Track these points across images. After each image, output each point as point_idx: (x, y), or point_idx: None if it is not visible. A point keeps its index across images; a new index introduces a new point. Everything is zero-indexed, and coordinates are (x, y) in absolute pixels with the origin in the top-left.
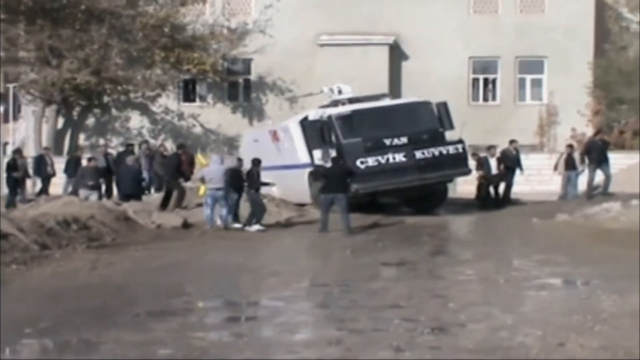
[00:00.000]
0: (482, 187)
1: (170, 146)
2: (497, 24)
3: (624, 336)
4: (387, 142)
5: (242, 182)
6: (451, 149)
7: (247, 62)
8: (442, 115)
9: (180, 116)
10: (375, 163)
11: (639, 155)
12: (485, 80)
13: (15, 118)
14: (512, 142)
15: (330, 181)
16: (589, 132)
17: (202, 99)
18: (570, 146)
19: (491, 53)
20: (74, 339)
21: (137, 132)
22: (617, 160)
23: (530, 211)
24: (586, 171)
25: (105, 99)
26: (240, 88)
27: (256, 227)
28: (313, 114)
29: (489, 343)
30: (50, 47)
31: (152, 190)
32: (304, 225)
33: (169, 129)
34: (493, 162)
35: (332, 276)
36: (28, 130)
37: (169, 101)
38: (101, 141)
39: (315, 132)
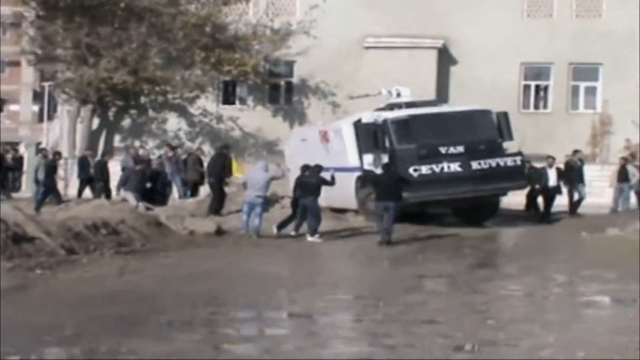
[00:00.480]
0: (533, 199)
1: (207, 149)
2: (551, 28)
3: None
4: (443, 150)
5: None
6: (509, 161)
7: (290, 64)
8: (501, 126)
9: (219, 119)
10: (429, 172)
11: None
12: (537, 87)
13: (50, 118)
14: (576, 152)
15: (383, 189)
16: None
17: (242, 101)
18: (624, 158)
19: (544, 59)
20: (94, 347)
21: (174, 134)
22: None
23: (580, 225)
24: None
25: (142, 99)
26: (281, 91)
27: (316, 237)
28: (367, 117)
29: None
30: (88, 45)
31: (188, 194)
32: (343, 234)
33: (207, 131)
34: (551, 173)
35: (368, 288)
36: (62, 130)
37: (207, 103)
38: (137, 143)
39: (368, 135)
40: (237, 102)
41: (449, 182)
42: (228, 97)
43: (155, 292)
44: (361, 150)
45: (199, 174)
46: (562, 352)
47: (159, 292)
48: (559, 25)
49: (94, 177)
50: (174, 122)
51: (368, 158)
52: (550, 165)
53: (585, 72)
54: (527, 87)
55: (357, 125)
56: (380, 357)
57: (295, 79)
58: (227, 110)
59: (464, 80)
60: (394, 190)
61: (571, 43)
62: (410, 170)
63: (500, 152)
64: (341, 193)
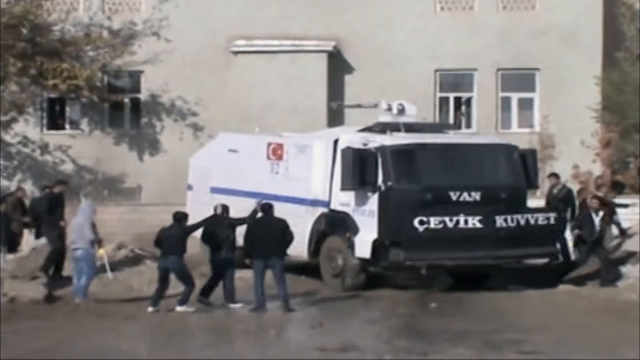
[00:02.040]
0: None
1: (29, 189)
2: (472, 25)
3: None
4: (454, 196)
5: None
6: (540, 219)
7: (136, 76)
8: (529, 168)
9: (44, 148)
10: (440, 226)
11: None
12: (457, 100)
13: None
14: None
15: (261, 239)
16: (597, 169)
17: (75, 125)
18: (581, 190)
19: (464, 64)
20: None
21: None
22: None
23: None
24: None
25: None
26: (126, 111)
27: (239, 304)
28: (349, 139)
29: None
30: None
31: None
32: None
33: (28, 165)
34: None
35: None
36: None
37: (28, 128)
38: None
39: (355, 166)
40: (67, 126)
41: (464, 242)
42: (55, 120)
43: None
44: (343, 184)
45: (19, 223)
46: None
47: None
48: (482, 21)
49: None
50: None
51: (342, 194)
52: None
53: (517, 80)
54: (444, 100)
55: (343, 150)
56: None
57: (143, 95)
58: (54, 137)
59: (363, 93)
60: (278, 242)
61: (498, 43)
62: (415, 222)
63: (525, 203)
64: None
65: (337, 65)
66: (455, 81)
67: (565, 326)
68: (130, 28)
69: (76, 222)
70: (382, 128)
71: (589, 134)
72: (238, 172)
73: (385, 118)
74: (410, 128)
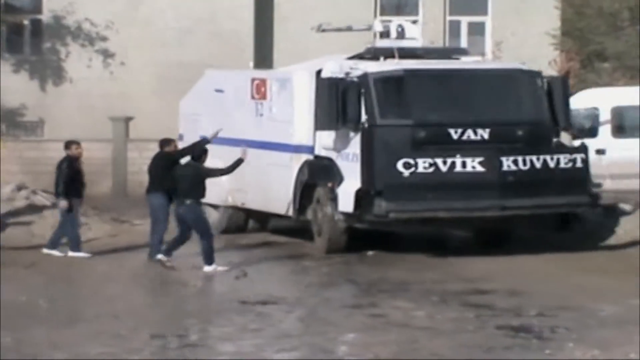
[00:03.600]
0: None
1: None
2: None
3: None
4: (455, 135)
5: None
6: (563, 160)
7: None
8: (555, 100)
9: None
10: (431, 170)
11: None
12: (400, 25)
13: None
14: None
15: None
16: None
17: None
18: None
19: None
20: None
21: None
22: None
23: None
24: None
25: None
26: (26, 34)
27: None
28: (332, 67)
29: None
30: None
31: None
32: None
33: None
34: None
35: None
36: None
37: None
38: None
39: (331, 99)
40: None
41: (463, 190)
42: None
43: None
44: (320, 123)
45: None
46: None
47: None
48: None
49: None
50: None
51: (325, 136)
52: None
53: (467, 2)
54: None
55: (320, 80)
56: None
57: (45, 17)
58: None
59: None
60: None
61: None
62: (399, 165)
63: (550, 144)
64: (273, 186)
65: None
66: (398, 3)
67: (520, 275)
68: None
69: None
70: (375, 54)
71: (546, 63)
72: (224, 117)
73: (383, 43)
74: (408, 53)
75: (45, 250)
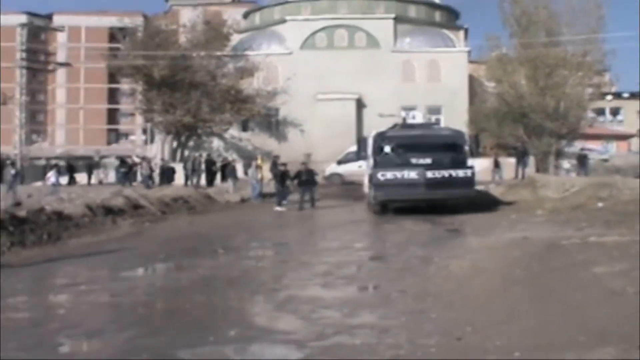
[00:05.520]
0: None
1: (230, 157)
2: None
3: None
4: (414, 161)
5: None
6: (461, 173)
7: (276, 109)
8: (471, 144)
9: (240, 140)
10: (392, 177)
11: (492, 160)
12: (414, 115)
13: (152, 141)
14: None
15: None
16: None
17: (252, 130)
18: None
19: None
20: (177, 263)
21: (216, 149)
22: (478, 162)
23: None
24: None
25: (199, 131)
26: (273, 123)
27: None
28: (372, 132)
29: None
30: (170, 103)
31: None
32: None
33: (233, 147)
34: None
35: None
36: (157, 149)
37: (234, 131)
38: (196, 154)
39: (360, 144)
40: (249, 130)
41: (407, 187)
42: (245, 127)
43: (209, 233)
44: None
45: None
46: None
47: (210, 234)
48: (419, 86)
49: (185, 169)
50: (216, 143)
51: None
52: None
53: (434, 110)
54: None
55: (373, 136)
56: None
57: (280, 117)
58: (244, 135)
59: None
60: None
61: (425, 97)
62: (379, 175)
63: (462, 165)
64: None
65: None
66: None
67: (459, 217)
68: (274, 90)
69: (251, 171)
70: (394, 126)
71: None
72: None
73: (404, 120)
74: (409, 125)
75: None
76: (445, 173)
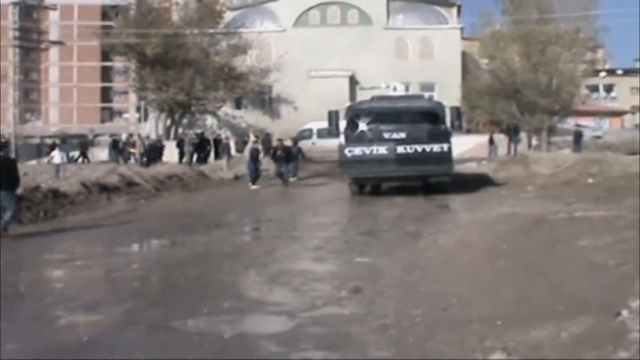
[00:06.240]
0: None
1: (224, 134)
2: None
3: None
4: (387, 135)
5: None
6: (435, 147)
7: (270, 87)
8: (452, 117)
9: (234, 117)
10: (360, 153)
11: (488, 136)
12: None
13: (145, 120)
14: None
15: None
16: None
17: (246, 107)
18: None
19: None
20: (172, 239)
21: (210, 126)
22: (472, 139)
23: None
24: None
25: (192, 108)
26: (266, 101)
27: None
28: (348, 104)
29: None
30: (163, 81)
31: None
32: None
33: (227, 124)
34: None
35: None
36: (151, 127)
37: (227, 109)
38: (190, 132)
39: (330, 118)
40: (242, 108)
41: (377, 163)
42: (239, 105)
43: (202, 210)
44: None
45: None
46: None
47: (204, 210)
48: (413, 64)
49: (179, 148)
50: (209, 120)
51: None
52: None
53: (428, 86)
54: None
55: (346, 108)
56: None
57: (273, 95)
58: (237, 112)
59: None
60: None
61: (419, 72)
62: (346, 151)
63: (444, 140)
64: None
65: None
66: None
67: (447, 196)
68: (268, 67)
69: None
70: (372, 98)
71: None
72: None
73: (383, 92)
74: (382, 98)
75: None
76: (419, 148)
